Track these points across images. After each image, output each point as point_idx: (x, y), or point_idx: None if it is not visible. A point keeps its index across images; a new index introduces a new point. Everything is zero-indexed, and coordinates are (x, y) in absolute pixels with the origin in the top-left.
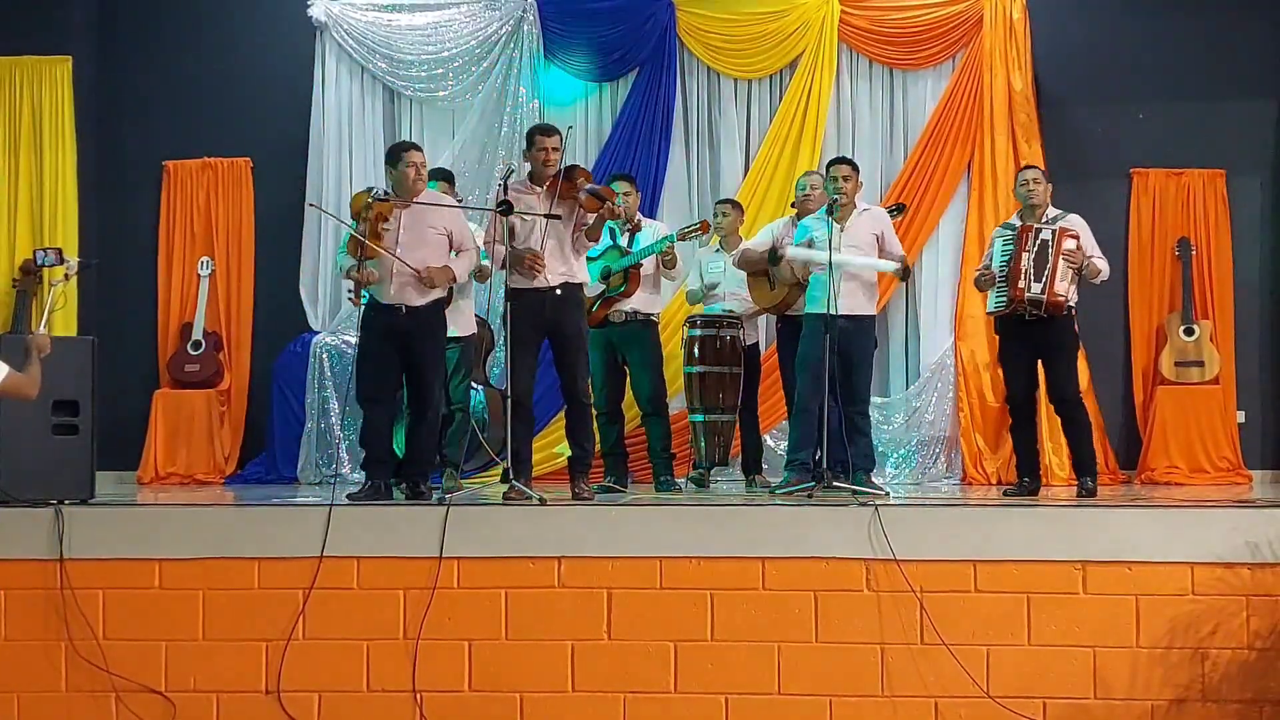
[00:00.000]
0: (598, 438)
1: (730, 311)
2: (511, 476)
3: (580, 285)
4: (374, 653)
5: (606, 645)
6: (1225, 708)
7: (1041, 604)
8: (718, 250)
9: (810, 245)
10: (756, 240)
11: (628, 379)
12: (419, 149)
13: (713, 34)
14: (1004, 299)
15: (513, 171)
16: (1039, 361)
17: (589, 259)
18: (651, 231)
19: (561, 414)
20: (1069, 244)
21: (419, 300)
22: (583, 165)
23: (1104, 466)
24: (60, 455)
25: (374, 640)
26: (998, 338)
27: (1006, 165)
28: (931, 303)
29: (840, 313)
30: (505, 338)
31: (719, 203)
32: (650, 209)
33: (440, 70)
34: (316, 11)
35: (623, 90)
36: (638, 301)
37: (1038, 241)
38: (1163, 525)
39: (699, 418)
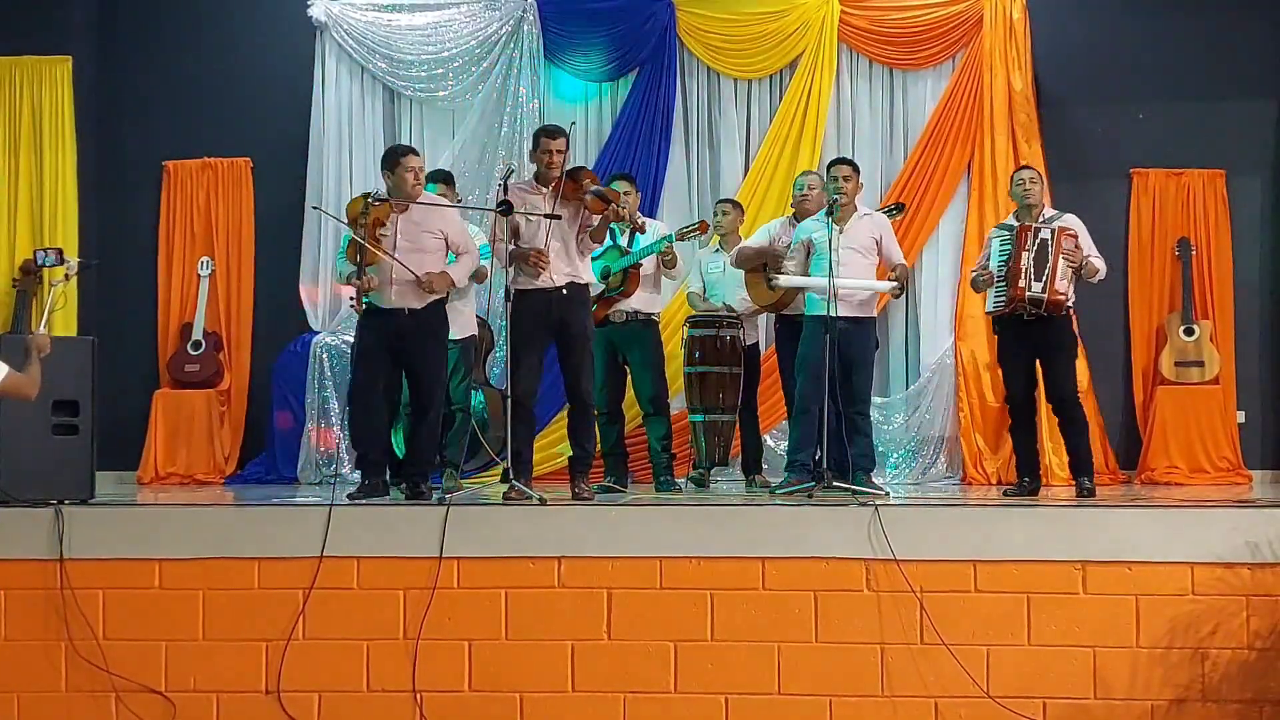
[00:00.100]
0: (598, 438)
1: (730, 309)
2: (512, 476)
3: (586, 285)
4: (374, 653)
5: (606, 645)
6: (1225, 708)
7: (1041, 604)
8: (717, 250)
9: (809, 247)
10: (753, 239)
11: (628, 379)
12: (417, 153)
13: (713, 34)
14: (1003, 299)
15: (513, 172)
16: (1038, 361)
17: None
18: (652, 232)
19: (562, 414)
20: (1068, 243)
21: (419, 304)
22: (585, 166)
23: (1104, 466)
24: (60, 455)
25: (374, 640)
26: (997, 337)
27: (1006, 165)
28: (931, 303)
29: (841, 314)
30: (508, 337)
31: (719, 203)
32: (650, 209)
33: (440, 70)
34: (316, 11)
35: (623, 90)
36: (638, 301)
37: (1037, 241)
38: (1163, 525)
39: (699, 417)
